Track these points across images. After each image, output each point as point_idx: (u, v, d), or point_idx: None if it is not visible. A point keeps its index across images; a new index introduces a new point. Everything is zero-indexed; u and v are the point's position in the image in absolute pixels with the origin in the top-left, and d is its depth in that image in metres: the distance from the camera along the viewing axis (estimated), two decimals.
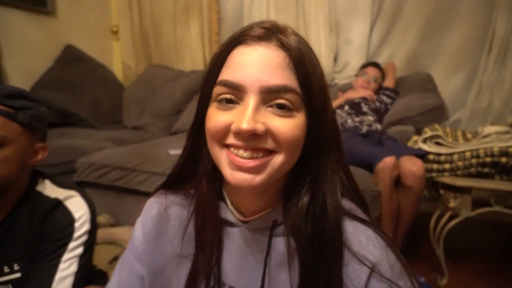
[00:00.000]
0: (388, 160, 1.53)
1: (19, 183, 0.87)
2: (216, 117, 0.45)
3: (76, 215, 0.87)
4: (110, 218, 1.78)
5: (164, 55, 3.12)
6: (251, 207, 0.52)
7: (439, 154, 1.65)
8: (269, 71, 0.43)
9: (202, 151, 0.54)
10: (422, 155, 1.67)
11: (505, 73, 2.20)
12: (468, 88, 2.37)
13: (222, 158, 0.46)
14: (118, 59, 3.30)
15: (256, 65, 0.44)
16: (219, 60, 0.47)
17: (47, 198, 0.89)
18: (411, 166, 1.55)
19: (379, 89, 2.30)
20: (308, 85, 0.45)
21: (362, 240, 0.48)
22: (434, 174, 1.67)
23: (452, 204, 1.56)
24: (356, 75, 2.40)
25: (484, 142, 1.61)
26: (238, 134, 0.43)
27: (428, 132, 1.73)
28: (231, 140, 0.45)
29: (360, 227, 0.50)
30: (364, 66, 2.35)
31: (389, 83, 2.31)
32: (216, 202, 0.54)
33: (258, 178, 0.44)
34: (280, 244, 0.51)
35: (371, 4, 2.49)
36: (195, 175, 0.55)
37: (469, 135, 1.75)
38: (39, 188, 0.90)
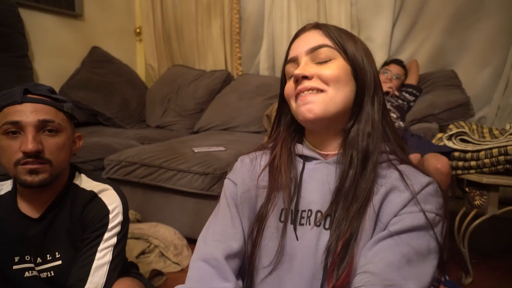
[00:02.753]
0: (413, 157, 1.52)
1: (64, 174, 0.92)
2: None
3: (110, 207, 0.91)
4: (136, 214, 1.84)
5: (186, 55, 3.17)
6: (326, 145, 0.69)
7: (465, 151, 1.61)
8: (310, 40, 0.67)
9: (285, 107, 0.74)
10: (447, 152, 1.65)
11: None
12: (494, 84, 2.31)
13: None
14: (141, 60, 3.38)
15: (304, 40, 0.68)
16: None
17: (83, 190, 0.93)
18: (437, 162, 1.53)
19: (402, 86, 2.27)
20: (340, 42, 0.66)
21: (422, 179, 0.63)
22: (459, 172, 1.64)
23: (478, 202, 1.53)
24: (378, 73, 2.38)
25: None
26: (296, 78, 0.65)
27: (453, 129, 1.70)
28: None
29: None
30: (386, 64, 2.33)
31: (412, 80, 2.28)
32: (293, 143, 0.72)
33: (316, 109, 0.63)
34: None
35: None
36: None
37: (496, 132, 1.71)
38: (76, 181, 0.95)
